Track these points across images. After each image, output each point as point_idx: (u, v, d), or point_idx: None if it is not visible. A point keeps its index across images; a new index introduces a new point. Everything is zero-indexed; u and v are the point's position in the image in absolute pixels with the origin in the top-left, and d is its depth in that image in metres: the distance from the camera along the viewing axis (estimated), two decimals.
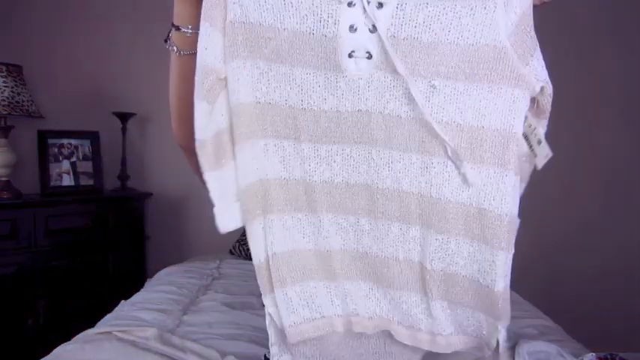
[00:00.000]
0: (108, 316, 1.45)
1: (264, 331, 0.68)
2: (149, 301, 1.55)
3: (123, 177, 2.38)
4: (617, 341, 2.37)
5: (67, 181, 2.24)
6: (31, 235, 2.01)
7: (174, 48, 0.62)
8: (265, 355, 0.84)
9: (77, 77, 2.45)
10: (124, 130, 2.38)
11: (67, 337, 1.25)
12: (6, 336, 1.95)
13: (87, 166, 2.31)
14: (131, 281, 2.24)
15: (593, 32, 2.40)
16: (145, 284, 1.90)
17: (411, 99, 0.52)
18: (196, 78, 0.55)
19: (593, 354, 1.10)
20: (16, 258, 1.97)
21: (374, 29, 0.51)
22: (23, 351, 1.98)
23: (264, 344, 0.74)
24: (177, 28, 0.61)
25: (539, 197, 2.46)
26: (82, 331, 1.29)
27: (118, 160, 2.40)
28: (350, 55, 0.52)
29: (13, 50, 2.31)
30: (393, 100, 0.53)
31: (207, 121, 0.57)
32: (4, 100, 2.00)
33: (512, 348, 1.21)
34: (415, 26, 0.50)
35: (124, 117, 2.36)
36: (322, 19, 0.51)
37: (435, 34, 0.50)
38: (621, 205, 2.44)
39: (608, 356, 1.09)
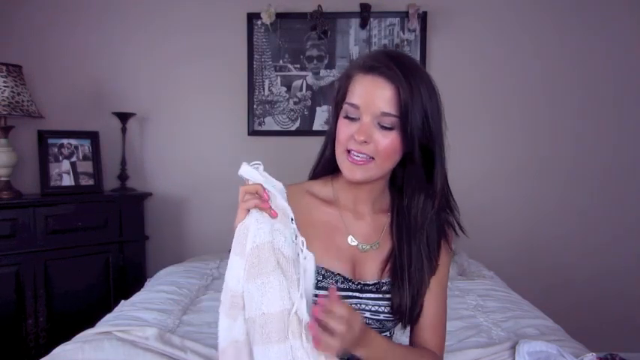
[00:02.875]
0: (108, 316, 1.45)
1: None
2: (149, 301, 1.55)
3: (123, 177, 2.38)
4: (617, 341, 2.37)
5: (67, 181, 2.24)
6: (31, 235, 2.01)
7: None
8: None
9: (77, 77, 2.45)
10: (123, 130, 2.38)
11: (67, 337, 1.25)
12: (6, 336, 1.95)
13: (87, 166, 2.31)
14: (131, 281, 2.24)
15: (587, 33, 2.40)
16: (145, 284, 1.90)
17: None
18: (222, 297, 0.73)
19: (593, 354, 1.10)
20: (16, 258, 1.97)
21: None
22: (23, 351, 1.98)
23: None
24: None
25: (540, 197, 2.47)
26: (82, 331, 1.29)
27: (118, 160, 2.40)
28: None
29: (13, 50, 2.31)
30: None
31: (228, 334, 0.72)
32: (4, 100, 2.00)
33: (513, 348, 1.21)
34: None
35: (124, 117, 2.37)
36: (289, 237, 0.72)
37: None
38: (622, 205, 2.44)
39: (608, 356, 1.09)
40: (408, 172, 0.85)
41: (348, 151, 0.80)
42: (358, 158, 0.79)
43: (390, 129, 0.78)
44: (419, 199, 0.85)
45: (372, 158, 0.79)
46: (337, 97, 0.86)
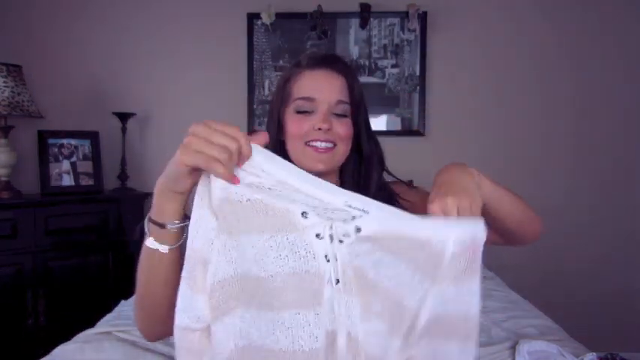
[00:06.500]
0: (108, 316, 1.45)
1: None
2: None
3: (123, 177, 2.38)
4: (617, 341, 2.37)
5: (67, 181, 2.24)
6: (31, 235, 2.01)
7: (165, 247, 0.63)
8: None
9: (77, 77, 2.45)
10: (123, 130, 2.38)
11: (67, 337, 1.25)
12: (6, 336, 1.94)
13: (87, 166, 2.31)
14: (131, 281, 2.23)
15: (592, 35, 2.40)
16: None
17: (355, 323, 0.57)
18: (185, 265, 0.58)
19: (594, 354, 1.10)
20: (16, 258, 1.97)
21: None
22: (23, 351, 1.98)
23: None
24: (163, 226, 0.62)
25: (540, 197, 2.46)
26: (82, 331, 1.29)
27: (118, 160, 2.40)
28: (328, 281, 0.57)
29: (13, 50, 2.31)
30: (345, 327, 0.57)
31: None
32: (4, 100, 2.00)
33: (513, 347, 1.21)
34: (370, 267, 0.56)
35: (124, 117, 2.37)
36: (301, 256, 0.56)
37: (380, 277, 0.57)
38: (621, 205, 2.44)
39: (608, 356, 1.09)
40: (351, 155, 0.89)
41: (306, 144, 0.83)
42: (322, 147, 0.82)
43: (345, 116, 0.85)
44: (372, 172, 0.90)
45: (334, 145, 0.83)
46: (280, 98, 0.88)
